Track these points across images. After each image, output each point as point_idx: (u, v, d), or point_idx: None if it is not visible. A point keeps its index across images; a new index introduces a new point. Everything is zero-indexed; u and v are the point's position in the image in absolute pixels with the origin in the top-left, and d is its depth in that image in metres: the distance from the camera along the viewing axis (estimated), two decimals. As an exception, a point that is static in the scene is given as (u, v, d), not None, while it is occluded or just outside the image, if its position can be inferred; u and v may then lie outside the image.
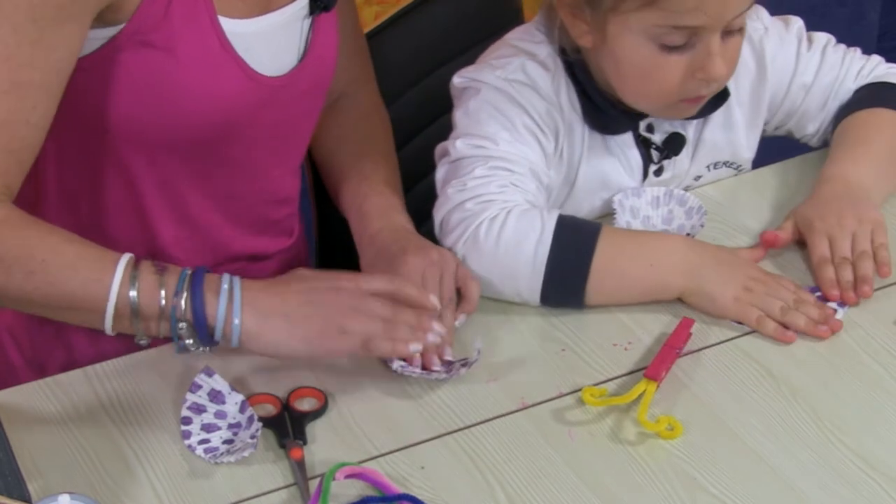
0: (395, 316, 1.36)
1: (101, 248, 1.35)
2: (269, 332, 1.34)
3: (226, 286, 1.33)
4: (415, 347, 1.37)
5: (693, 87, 1.54)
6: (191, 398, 1.38)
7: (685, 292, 1.51)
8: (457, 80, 1.63)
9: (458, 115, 1.61)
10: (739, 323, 1.50)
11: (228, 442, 1.35)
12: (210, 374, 1.39)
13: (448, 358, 1.43)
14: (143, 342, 1.37)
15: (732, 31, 1.52)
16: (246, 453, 1.32)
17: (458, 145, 1.57)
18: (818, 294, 1.54)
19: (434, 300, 1.41)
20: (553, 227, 1.50)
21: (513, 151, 1.56)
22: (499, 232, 1.50)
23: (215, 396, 1.38)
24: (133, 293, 1.32)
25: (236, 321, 1.33)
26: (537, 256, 1.49)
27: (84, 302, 1.32)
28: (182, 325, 1.33)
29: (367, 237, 1.55)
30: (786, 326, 1.49)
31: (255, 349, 1.35)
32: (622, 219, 1.62)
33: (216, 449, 1.35)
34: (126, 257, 1.33)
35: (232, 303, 1.33)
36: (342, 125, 1.67)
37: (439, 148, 1.61)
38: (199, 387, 1.38)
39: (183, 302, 1.32)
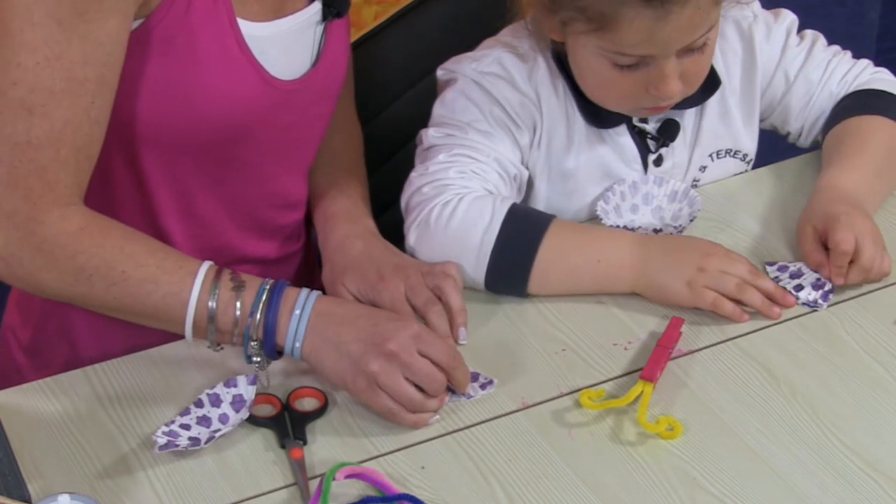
0: (423, 403, 1.38)
1: (180, 256, 1.40)
2: (320, 356, 1.38)
3: (298, 312, 1.38)
4: (433, 420, 1.39)
5: (649, 100, 1.56)
6: (220, 390, 1.39)
7: (637, 288, 1.53)
8: (439, 72, 1.67)
9: (436, 105, 1.64)
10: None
11: (196, 440, 1.35)
12: (252, 383, 1.40)
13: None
14: (214, 350, 1.41)
15: (693, 50, 1.52)
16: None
17: (430, 133, 1.61)
18: (793, 268, 1.56)
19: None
20: (503, 216, 1.51)
21: (480, 141, 1.59)
22: (449, 217, 1.52)
23: (235, 401, 1.39)
24: (210, 310, 1.36)
25: (297, 344, 1.38)
26: (483, 245, 1.51)
27: (165, 314, 1.38)
28: (254, 343, 1.38)
29: (334, 241, 1.56)
30: (741, 303, 1.50)
31: (310, 367, 1.40)
32: (629, 202, 1.63)
33: (196, 440, 1.35)
34: (203, 270, 1.38)
35: (299, 325, 1.37)
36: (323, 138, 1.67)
37: (418, 136, 1.64)
38: (235, 385, 1.39)
39: (256, 322, 1.37)
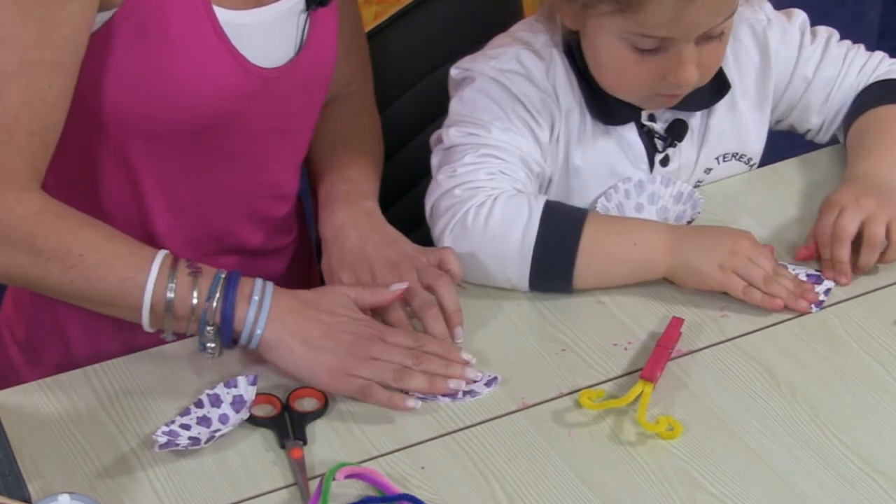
0: (413, 364, 1.38)
1: (137, 243, 1.39)
2: (285, 351, 1.38)
3: (256, 297, 1.37)
4: (412, 404, 1.38)
5: (665, 86, 1.56)
6: (220, 390, 1.39)
7: (670, 270, 1.53)
8: (454, 71, 1.66)
9: (454, 104, 1.63)
10: (726, 293, 1.52)
11: (196, 440, 1.35)
12: (252, 383, 1.39)
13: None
14: (169, 338, 1.40)
15: (711, 38, 1.53)
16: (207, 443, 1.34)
17: (451, 133, 1.60)
18: (810, 273, 1.56)
19: (466, 356, 1.43)
20: (540, 212, 1.51)
21: (504, 140, 1.58)
22: (486, 218, 1.52)
23: (235, 401, 1.39)
24: (167, 294, 1.35)
25: (258, 332, 1.37)
26: (525, 242, 1.51)
27: (121, 299, 1.36)
28: (209, 328, 1.37)
29: (331, 229, 1.55)
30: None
31: (268, 359, 1.40)
32: (633, 200, 1.63)
33: (196, 440, 1.35)
34: (161, 256, 1.37)
35: (260, 312, 1.36)
36: (329, 125, 1.67)
37: (434, 135, 1.64)
38: (235, 386, 1.39)
39: (214, 307, 1.36)
